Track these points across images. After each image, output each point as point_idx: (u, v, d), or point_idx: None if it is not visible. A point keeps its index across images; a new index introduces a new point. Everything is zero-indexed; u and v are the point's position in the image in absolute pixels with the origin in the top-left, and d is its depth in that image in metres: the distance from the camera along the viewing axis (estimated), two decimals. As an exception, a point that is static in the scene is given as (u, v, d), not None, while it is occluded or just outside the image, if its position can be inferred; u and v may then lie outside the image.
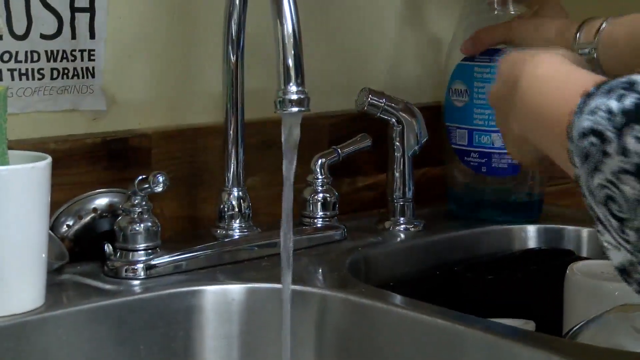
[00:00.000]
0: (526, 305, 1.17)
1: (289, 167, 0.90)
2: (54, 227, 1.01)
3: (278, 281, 0.92)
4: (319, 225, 1.15)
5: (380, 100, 1.17)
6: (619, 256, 0.60)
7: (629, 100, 0.58)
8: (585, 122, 0.61)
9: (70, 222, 1.02)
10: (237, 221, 1.09)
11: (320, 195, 1.15)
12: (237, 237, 1.08)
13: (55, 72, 1.06)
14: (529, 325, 1.08)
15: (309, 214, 1.15)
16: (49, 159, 0.91)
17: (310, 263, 1.08)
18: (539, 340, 0.86)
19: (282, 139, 0.89)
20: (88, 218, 1.02)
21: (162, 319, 0.95)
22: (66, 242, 1.01)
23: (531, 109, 0.71)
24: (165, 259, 1.00)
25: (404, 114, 1.19)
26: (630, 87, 0.59)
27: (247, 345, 0.98)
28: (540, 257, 1.22)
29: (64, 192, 1.03)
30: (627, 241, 0.59)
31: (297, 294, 0.95)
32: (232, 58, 1.07)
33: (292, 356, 0.93)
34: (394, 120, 1.19)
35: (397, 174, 1.20)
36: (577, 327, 1.02)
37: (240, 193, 1.09)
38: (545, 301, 1.17)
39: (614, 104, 0.59)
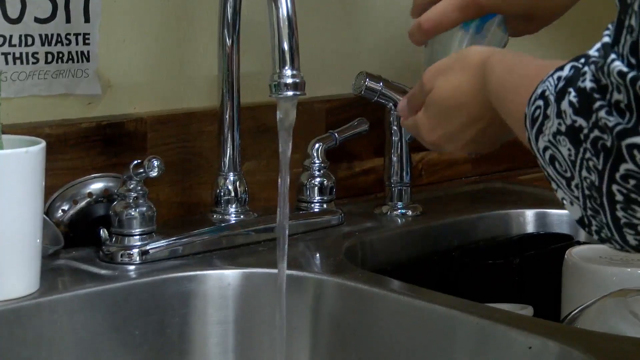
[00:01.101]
0: (524, 290, 1.17)
1: (284, 151, 0.90)
2: (49, 212, 1.01)
3: (274, 266, 0.91)
4: (315, 210, 1.14)
5: (378, 84, 1.17)
6: (575, 210, 0.61)
7: (575, 68, 0.60)
8: (539, 88, 0.62)
9: (66, 207, 1.01)
10: (234, 206, 1.08)
11: (317, 180, 1.15)
12: (233, 221, 1.08)
13: (49, 56, 1.05)
14: (527, 310, 1.07)
15: (306, 199, 1.15)
16: (43, 144, 0.90)
17: (306, 248, 1.08)
18: (535, 325, 0.86)
19: (278, 123, 0.89)
20: (83, 203, 1.02)
21: (157, 305, 0.95)
22: (61, 227, 1.01)
23: (507, 82, 0.72)
24: (161, 244, 1.00)
25: (401, 98, 1.17)
26: (578, 59, 0.60)
27: (242, 330, 0.98)
28: (538, 242, 1.21)
29: (59, 176, 1.03)
30: (575, 197, 0.61)
31: (292, 279, 0.95)
32: (228, 42, 1.06)
33: (287, 341, 0.92)
34: (391, 104, 1.18)
35: (394, 159, 1.20)
36: (575, 311, 1.01)
37: (236, 178, 1.09)
38: (543, 286, 1.16)
39: (563, 74, 0.61)
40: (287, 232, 0.89)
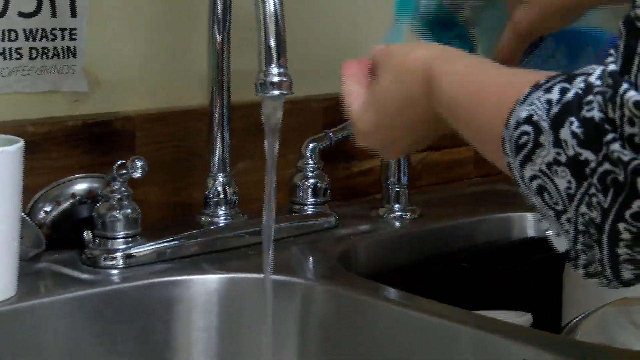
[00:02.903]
0: (524, 296, 1.13)
1: (271, 151, 0.87)
2: (31, 213, 0.98)
3: (262, 271, 0.88)
4: (309, 212, 1.11)
5: None
6: (561, 243, 0.58)
7: (570, 94, 0.56)
8: (523, 112, 0.58)
9: (48, 208, 0.98)
10: (223, 208, 1.06)
11: (311, 181, 1.11)
12: (222, 224, 1.05)
13: (34, 52, 1.02)
14: (526, 318, 1.04)
15: (299, 201, 1.12)
16: (21, 143, 0.87)
17: (298, 252, 1.04)
18: (531, 336, 0.83)
19: (264, 122, 0.86)
20: (67, 204, 0.99)
21: (140, 310, 0.92)
22: (44, 229, 0.98)
23: (465, 98, 0.67)
24: (146, 247, 0.97)
25: None
26: (570, 81, 0.57)
27: (228, 337, 0.95)
28: (540, 246, 1.18)
29: (42, 176, 1.00)
30: (565, 230, 0.57)
31: (280, 285, 0.92)
32: (218, 38, 1.03)
33: (274, 349, 0.90)
34: (389, 103, 1.15)
35: (391, 160, 1.16)
36: (575, 320, 0.99)
37: (225, 179, 1.06)
38: (544, 292, 1.13)
39: (554, 97, 0.57)
40: (272, 236, 0.86)
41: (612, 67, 0.54)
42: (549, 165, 0.55)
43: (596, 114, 0.53)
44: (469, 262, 1.15)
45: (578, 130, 0.54)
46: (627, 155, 0.51)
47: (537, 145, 0.56)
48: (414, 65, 0.72)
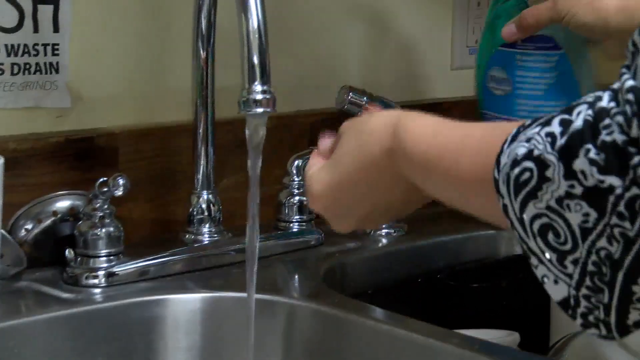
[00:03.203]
0: (511, 315, 1.12)
1: (254, 169, 0.86)
2: (12, 230, 0.96)
3: (246, 289, 0.87)
4: (294, 229, 1.10)
5: (361, 99, 1.12)
6: (558, 290, 0.55)
7: (578, 122, 0.53)
8: (520, 149, 0.55)
9: (30, 226, 0.97)
10: (207, 225, 1.04)
11: (297, 198, 1.10)
12: (206, 242, 1.04)
13: (16, 68, 1.01)
14: (513, 338, 1.03)
15: (285, 218, 1.11)
16: (1, 160, 0.86)
17: (283, 270, 1.03)
18: (517, 357, 0.82)
19: (247, 140, 0.85)
20: (48, 222, 0.97)
21: (122, 330, 0.91)
22: (25, 246, 0.96)
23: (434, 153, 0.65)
24: (128, 265, 0.96)
25: None
26: (569, 112, 0.54)
27: (211, 357, 0.93)
28: (527, 264, 1.16)
29: (24, 193, 0.99)
30: (567, 275, 0.54)
31: (264, 304, 0.91)
32: (202, 54, 1.02)
33: None
34: (375, 119, 1.13)
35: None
36: (563, 339, 0.98)
37: (210, 196, 1.04)
38: (532, 311, 1.12)
39: (556, 129, 0.54)
40: (256, 254, 0.85)
41: (630, 82, 0.51)
42: (560, 200, 0.53)
43: (618, 137, 0.51)
44: (456, 279, 1.13)
45: (597, 157, 0.51)
46: None
47: (544, 180, 0.53)
48: (376, 125, 0.70)
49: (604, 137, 0.51)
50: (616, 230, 0.51)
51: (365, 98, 1.13)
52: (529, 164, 0.54)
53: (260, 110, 0.83)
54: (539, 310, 1.08)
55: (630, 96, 0.51)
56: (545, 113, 0.63)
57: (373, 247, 1.13)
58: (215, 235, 1.04)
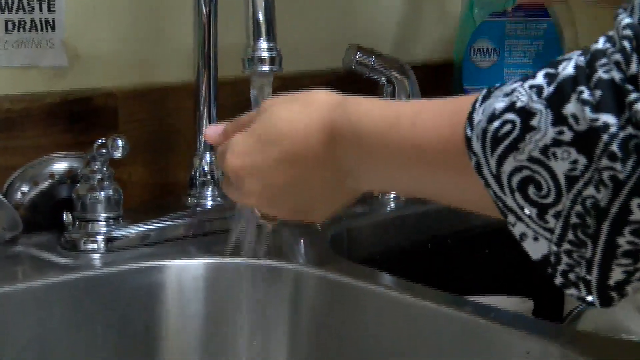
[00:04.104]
0: (524, 282, 1.09)
1: None
2: (7, 194, 0.94)
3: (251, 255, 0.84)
4: (300, 193, 1.07)
5: (369, 58, 1.10)
6: (538, 247, 0.53)
7: (568, 70, 0.50)
8: (499, 103, 0.53)
9: (25, 189, 0.95)
10: (210, 189, 1.02)
11: (302, 160, 1.07)
12: (209, 206, 1.01)
13: (10, 25, 0.98)
14: (527, 305, 1.00)
15: (290, 181, 1.07)
16: (-6, 121, 0.83)
17: (288, 235, 1.00)
18: (534, 326, 0.79)
19: (252, 100, 0.82)
20: (45, 184, 0.95)
21: (121, 297, 0.88)
22: (21, 210, 0.94)
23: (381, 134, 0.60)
24: (128, 230, 0.93)
25: (394, 73, 1.11)
26: (555, 67, 0.52)
27: (215, 324, 0.91)
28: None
29: (19, 156, 0.97)
30: (548, 229, 0.52)
31: (270, 270, 0.89)
32: (204, 10, 0.99)
33: (263, 337, 0.87)
34: (384, 79, 1.12)
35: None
36: (580, 307, 0.96)
37: (213, 158, 1.02)
38: (546, 277, 1.09)
39: (542, 81, 0.51)
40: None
41: (627, 20, 0.49)
42: (545, 149, 0.50)
43: (615, 74, 0.48)
44: (467, 245, 1.11)
45: (590, 97, 0.49)
46: None
47: (527, 130, 0.51)
48: (317, 95, 0.66)
49: (600, 74, 0.49)
50: (605, 174, 0.48)
51: (373, 58, 1.10)
52: (510, 115, 0.52)
53: (266, 68, 0.80)
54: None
55: (628, 32, 0.48)
56: None
57: (381, 212, 1.10)
58: (218, 198, 1.02)
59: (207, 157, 1.02)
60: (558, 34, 1.13)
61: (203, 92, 1.00)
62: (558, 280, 0.53)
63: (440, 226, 1.12)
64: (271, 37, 0.81)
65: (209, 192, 1.02)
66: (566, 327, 0.87)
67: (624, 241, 0.49)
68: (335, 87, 1.16)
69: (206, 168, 1.02)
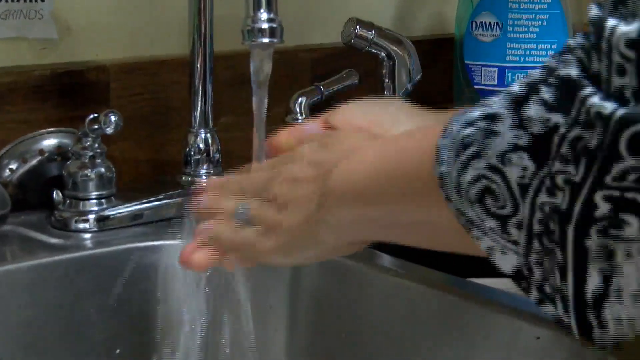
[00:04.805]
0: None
1: (259, 106, 0.82)
2: (-5, 171, 0.93)
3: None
4: (298, 171, 1.04)
5: (369, 32, 1.08)
6: (508, 261, 0.50)
7: (538, 73, 0.48)
8: (475, 112, 0.50)
9: (14, 166, 0.93)
10: (205, 166, 1.00)
11: (300, 137, 1.05)
12: (204, 184, 0.98)
13: (-3, -5, 0.96)
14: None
15: (287, 159, 1.05)
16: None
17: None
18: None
19: (251, 74, 0.80)
20: (34, 161, 0.94)
21: (114, 278, 0.87)
22: (9, 188, 0.93)
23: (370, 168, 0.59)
24: (121, 209, 0.92)
25: (395, 48, 1.09)
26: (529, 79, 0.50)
27: (212, 306, 0.89)
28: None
29: (7, 131, 0.95)
30: (512, 242, 0.49)
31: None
32: (200, -20, 0.96)
33: (262, 322, 0.85)
34: (384, 54, 1.09)
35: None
36: None
37: (208, 135, 1.00)
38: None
39: (518, 88, 0.49)
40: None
41: (592, 12, 0.46)
42: (502, 155, 0.48)
43: (573, 71, 0.46)
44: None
45: (547, 95, 0.46)
46: (608, 108, 0.43)
47: (489, 134, 0.48)
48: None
49: (560, 71, 0.46)
50: (560, 178, 0.46)
51: (373, 32, 1.08)
52: (482, 123, 0.49)
53: (266, 40, 0.78)
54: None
55: (590, 28, 0.46)
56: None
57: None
58: (214, 176, 0.99)
59: (202, 133, 1.00)
60: (562, 8, 1.11)
61: (198, 66, 0.98)
62: (533, 295, 0.50)
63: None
64: (272, 7, 0.78)
65: (203, 170, 1.00)
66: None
67: (592, 243, 0.46)
68: (333, 62, 1.16)
69: (201, 145, 1.00)
